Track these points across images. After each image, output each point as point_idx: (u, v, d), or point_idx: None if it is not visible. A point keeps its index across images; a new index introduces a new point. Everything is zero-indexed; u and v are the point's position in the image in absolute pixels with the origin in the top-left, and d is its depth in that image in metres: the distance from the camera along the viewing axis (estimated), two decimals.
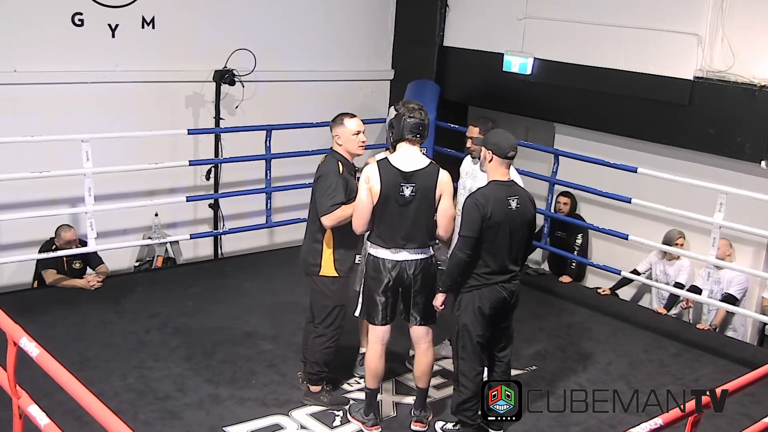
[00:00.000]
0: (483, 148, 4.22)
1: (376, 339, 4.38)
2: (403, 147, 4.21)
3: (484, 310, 4.17)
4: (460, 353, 4.29)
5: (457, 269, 4.14)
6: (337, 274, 4.46)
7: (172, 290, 6.32)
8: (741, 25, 6.29)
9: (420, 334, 4.39)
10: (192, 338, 5.44)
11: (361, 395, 4.64)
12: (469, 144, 4.98)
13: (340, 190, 4.29)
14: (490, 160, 4.15)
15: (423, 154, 4.28)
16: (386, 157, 4.24)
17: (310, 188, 4.56)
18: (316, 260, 4.46)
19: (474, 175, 4.82)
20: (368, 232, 4.32)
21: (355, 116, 4.46)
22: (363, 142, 4.45)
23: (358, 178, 4.34)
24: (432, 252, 4.34)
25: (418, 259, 4.24)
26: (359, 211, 4.20)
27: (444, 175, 4.21)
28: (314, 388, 4.66)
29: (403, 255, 4.22)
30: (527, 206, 4.21)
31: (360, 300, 4.45)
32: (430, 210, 4.21)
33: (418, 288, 4.27)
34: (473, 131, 4.92)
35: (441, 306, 4.28)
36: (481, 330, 4.21)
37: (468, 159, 5.10)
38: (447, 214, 4.23)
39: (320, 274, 4.47)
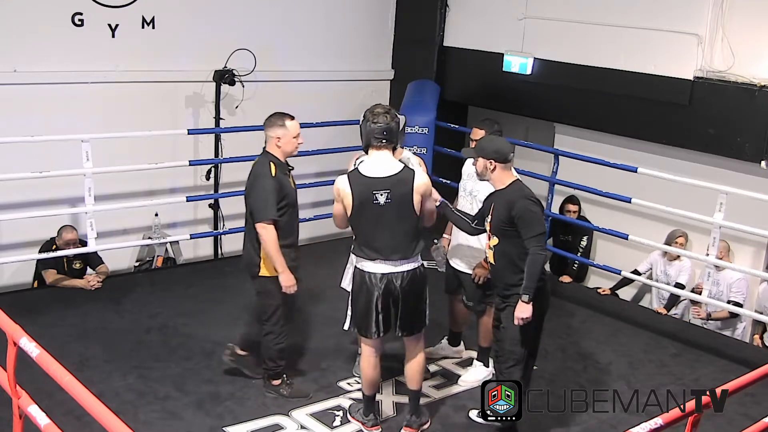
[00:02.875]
0: (481, 160, 4.14)
1: (369, 351, 4.34)
2: (373, 153, 4.12)
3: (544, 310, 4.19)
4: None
5: (542, 269, 4.04)
6: (275, 274, 4.49)
7: (172, 290, 6.32)
8: (741, 25, 6.29)
9: (409, 341, 4.36)
10: (192, 338, 5.44)
11: (360, 395, 4.63)
12: (473, 146, 4.93)
13: (272, 200, 4.35)
14: (494, 170, 4.12)
15: (415, 154, 4.22)
16: (356, 168, 4.16)
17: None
18: (256, 261, 4.53)
19: (476, 178, 4.78)
20: (352, 246, 4.27)
21: (294, 117, 4.52)
22: (300, 143, 4.56)
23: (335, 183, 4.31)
24: (419, 261, 4.23)
25: (404, 271, 4.14)
26: (337, 219, 4.27)
27: (419, 178, 4.10)
28: (275, 382, 4.74)
29: (389, 267, 4.12)
30: None
31: (349, 313, 4.37)
32: (410, 216, 4.10)
33: (404, 299, 4.17)
34: (478, 134, 4.83)
35: (525, 317, 4.00)
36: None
37: (470, 160, 5.06)
38: (429, 209, 4.21)
39: (260, 275, 4.54)
